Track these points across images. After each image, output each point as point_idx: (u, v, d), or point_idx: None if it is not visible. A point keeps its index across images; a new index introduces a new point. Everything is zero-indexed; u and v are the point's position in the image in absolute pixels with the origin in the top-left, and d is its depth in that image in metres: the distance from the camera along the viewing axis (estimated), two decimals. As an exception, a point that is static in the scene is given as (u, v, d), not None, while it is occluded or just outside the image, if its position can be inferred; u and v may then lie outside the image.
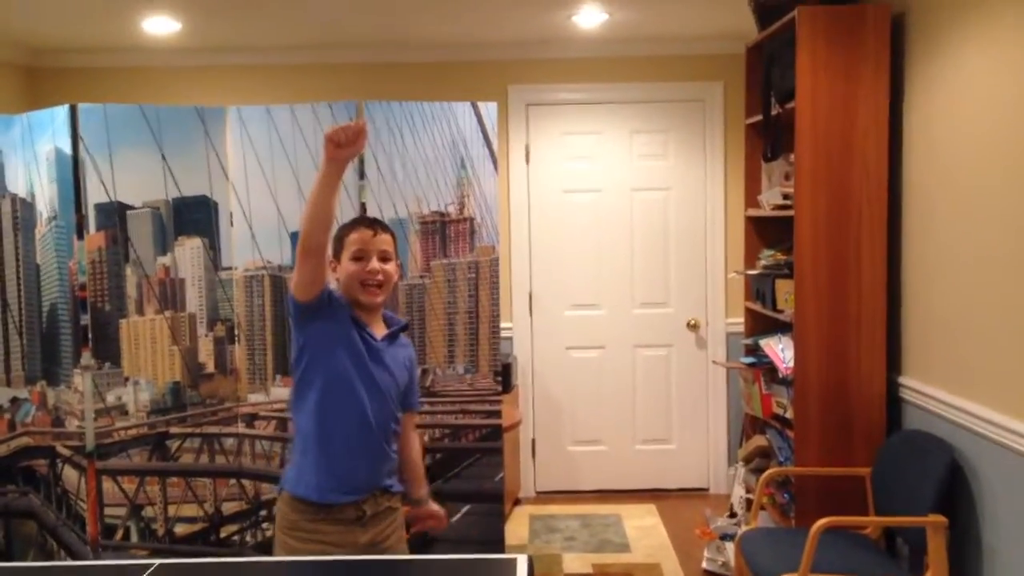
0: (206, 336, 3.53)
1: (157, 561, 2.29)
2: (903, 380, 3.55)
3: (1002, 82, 2.85)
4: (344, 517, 2.41)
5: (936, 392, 3.28)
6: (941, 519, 2.93)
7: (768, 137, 4.01)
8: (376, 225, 2.47)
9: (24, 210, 3.55)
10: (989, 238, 2.93)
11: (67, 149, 3.42)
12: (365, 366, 2.41)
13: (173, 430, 3.50)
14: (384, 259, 2.44)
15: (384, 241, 2.45)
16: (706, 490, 5.44)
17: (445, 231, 3.61)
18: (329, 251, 2.39)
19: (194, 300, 3.53)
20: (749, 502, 3.97)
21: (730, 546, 4.02)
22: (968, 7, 3.05)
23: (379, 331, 2.50)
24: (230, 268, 3.56)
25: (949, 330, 3.21)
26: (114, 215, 3.45)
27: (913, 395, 3.47)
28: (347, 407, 2.40)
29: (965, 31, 3.07)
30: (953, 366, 3.18)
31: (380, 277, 2.42)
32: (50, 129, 3.48)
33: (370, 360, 2.42)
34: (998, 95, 2.87)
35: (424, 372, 3.59)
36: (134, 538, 3.47)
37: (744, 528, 3.59)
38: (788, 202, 3.77)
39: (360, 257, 2.42)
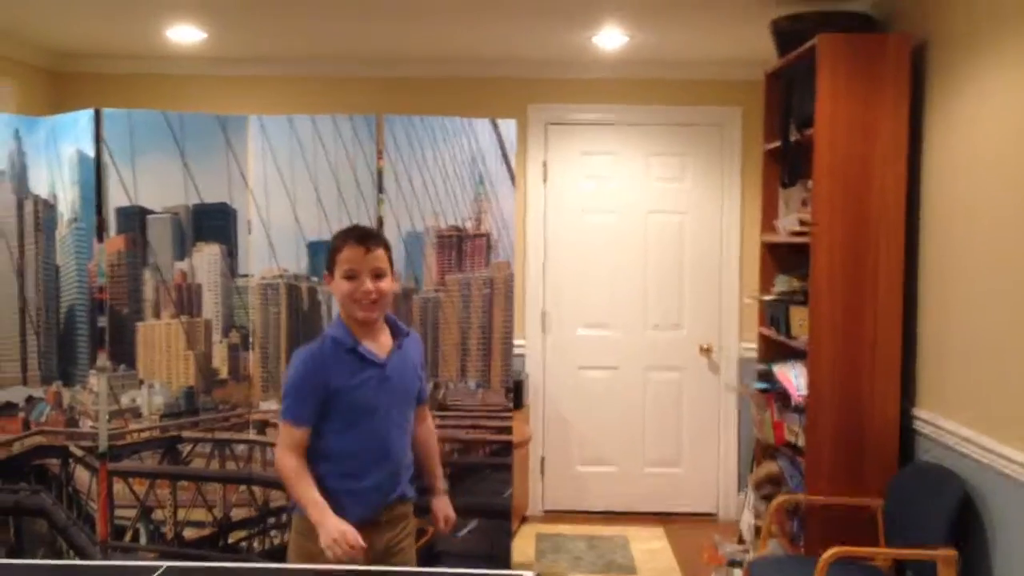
0: (221, 342, 3.55)
1: (166, 564, 2.30)
2: (917, 411, 3.53)
3: (1022, 112, 2.85)
4: (360, 528, 2.40)
5: (950, 425, 3.26)
6: (952, 552, 2.91)
7: (786, 163, 4.01)
8: (368, 241, 2.41)
9: (46, 211, 3.58)
10: (1007, 270, 2.92)
11: (90, 152, 3.45)
12: (375, 394, 2.42)
13: (185, 434, 3.51)
14: (378, 276, 2.40)
15: (377, 258, 2.41)
16: (715, 515, 5.41)
17: (462, 246, 3.62)
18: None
19: (210, 306, 3.55)
20: (758, 528, 3.95)
21: (738, 572, 4.00)
22: (988, 38, 3.05)
23: (382, 345, 2.47)
24: (247, 275, 3.58)
25: (965, 362, 3.19)
26: (135, 219, 3.48)
27: (927, 427, 3.45)
28: (362, 438, 2.41)
29: (986, 61, 3.07)
30: (968, 398, 3.16)
31: (374, 296, 2.39)
32: (74, 132, 3.52)
33: (379, 386, 2.43)
34: (1018, 125, 2.87)
35: (436, 386, 3.60)
36: (143, 540, 3.47)
37: (753, 555, 3.56)
38: (804, 228, 3.77)
39: (352, 276, 2.39)
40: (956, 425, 3.21)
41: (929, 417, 3.42)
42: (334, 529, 2.25)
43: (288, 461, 2.38)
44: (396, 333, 2.53)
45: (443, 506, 2.68)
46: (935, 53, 3.47)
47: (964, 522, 3.09)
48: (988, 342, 3.03)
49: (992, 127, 3.04)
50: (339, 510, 2.34)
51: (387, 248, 2.47)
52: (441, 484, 2.70)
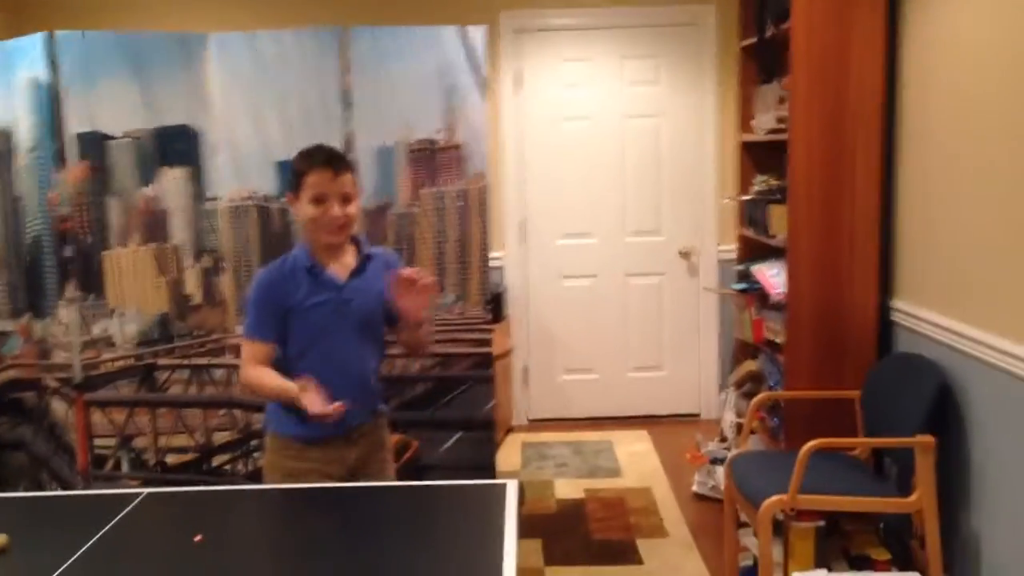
0: (192, 267, 3.50)
1: (146, 490, 2.30)
2: (895, 303, 3.54)
3: (1000, 2, 2.78)
4: (332, 442, 2.43)
5: (928, 315, 3.27)
6: (929, 439, 2.94)
7: (762, 59, 3.94)
8: (335, 163, 2.34)
9: (3, 141, 3.49)
10: (985, 160, 2.90)
11: (45, 78, 3.34)
12: (333, 316, 2.38)
13: (161, 362, 3.49)
14: (346, 200, 2.35)
15: (345, 182, 2.34)
16: (697, 416, 5.48)
17: (434, 159, 3.55)
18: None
19: (179, 231, 3.49)
20: (739, 427, 4.00)
21: (720, 470, 4.06)
22: (967, -80, 2.96)
23: (343, 267, 2.43)
24: (215, 198, 3.51)
25: (942, 252, 3.19)
26: (95, 145, 3.39)
27: (905, 318, 3.46)
28: (321, 360, 2.37)
29: (963, -55, 2.98)
30: (946, 288, 3.17)
31: (342, 222, 2.34)
32: (27, 58, 3.40)
33: (337, 308, 2.38)
34: (996, 13, 2.80)
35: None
36: (125, 468, 3.48)
37: (734, 452, 3.61)
38: (782, 126, 3.72)
39: (320, 200, 2.32)
40: (934, 315, 3.23)
41: (908, 308, 3.44)
42: (311, 404, 2.23)
43: (252, 370, 2.38)
44: (360, 255, 2.46)
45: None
46: (910, -63, 3.37)
47: (942, 410, 3.13)
48: (968, 232, 3.02)
49: (970, 14, 2.97)
50: (303, 428, 2.36)
51: (353, 171, 2.41)
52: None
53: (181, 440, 3.54)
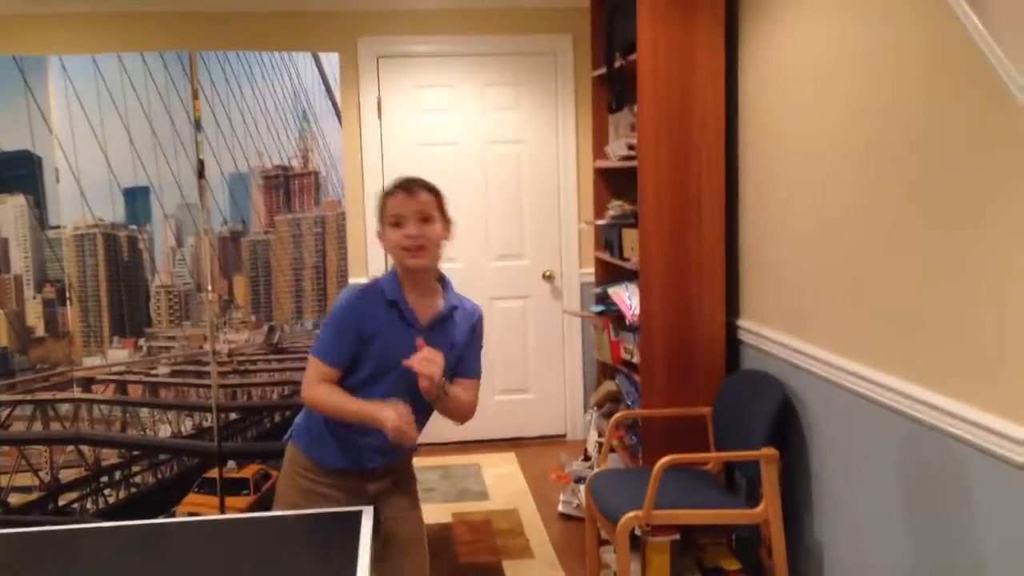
0: (34, 298, 3.36)
1: (-19, 533, 2.19)
2: (741, 323, 3.71)
3: (827, 34, 2.97)
4: (353, 474, 2.41)
5: (770, 333, 3.44)
6: (772, 452, 3.09)
7: (612, 89, 4.07)
8: (413, 185, 2.34)
9: None
10: (814, 186, 3.08)
11: None
12: (403, 354, 2.27)
13: (2, 398, 3.33)
14: (424, 220, 2.32)
15: (422, 201, 2.32)
16: (564, 437, 5.57)
17: (289, 185, 3.53)
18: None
19: (19, 260, 3.34)
20: (602, 446, 4.09)
21: (584, 488, 4.14)
22: (794, -39, 3.16)
23: (427, 309, 2.36)
24: (58, 227, 3.38)
25: (781, 275, 3.36)
26: (-74, 172, 3.23)
27: (750, 336, 3.63)
28: (377, 390, 2.31)
29: (792, -16, 3.18)
30: (785, 308, 3.34)
31: (420, 241, 2.30)
32: None
33: (409, 348, 2.28)
34: (823, 47, 2.99)
35: (271, 329, 3.53)
36: (-37, 512, 3.30)
37: (595, 470, 3.69)
38: (633, 153, 3.85)
39: (398, 223, 2.31)
40: (776, 333, 3.39)
41: (752, 327, 3.61)
42: (393, 416, 2.18)
43: (320, 388, 2.31)
44: (447, 304, 2.40)
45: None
46: (746, -24, 3.57)
47: (786, 424, 3.29)
48: (800, 256, 3.20)
49: (800, 47, 3.16)
50: (328, 452, 2.36)
51: (435, 194, 2.37)
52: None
53: (25, 479, 3.37)
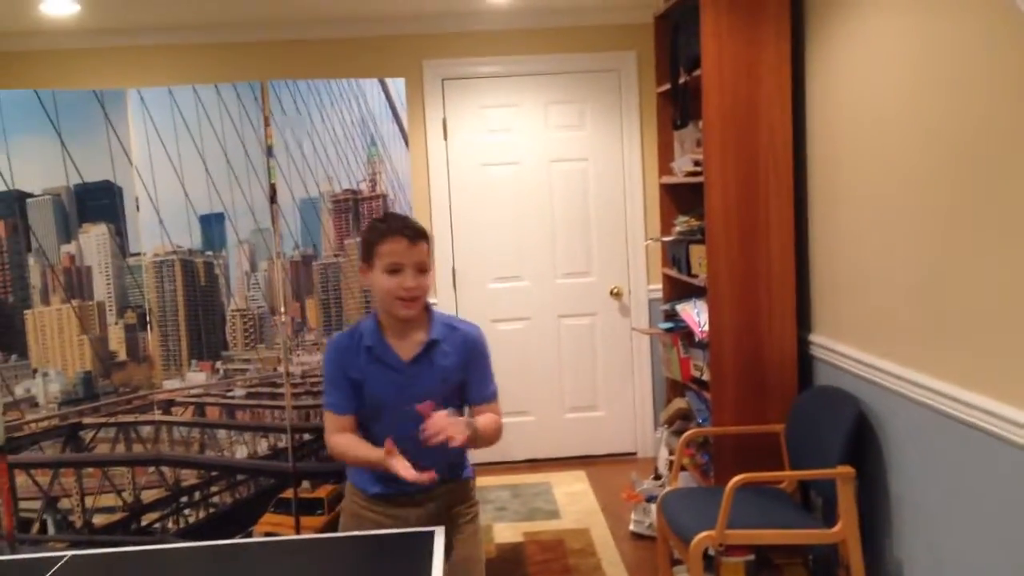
0: (116, 324, 3.47)
1: (69, 553, 2.27)
2: (813, 338, 3.65)
3: (898, 43, 2.92)
4: (397, 500, 2.43)
5: (844, 348, 3.38)
6: (849, 470, 3.03)
7: (677, 105, 4.06)
8: (411, 232, 2.28)
9: (-80, 202, 3.44)
10: (889, 198, 3.02)
11: (-38, 137, 3.31)
12: (393, 393, 2.34)
13: (86, 420, 3.44)
14: (421, 271, 2.29)
15: (420, 252, 2.27)
16: (634, 454, 5.54)
17: (358, 209, 3.59)
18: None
19: (102, 288, 3.46)
20: (672, 464, 4.06)
21: (655, 507, 4.10)
22: (861, -29, 3.12)
23: (410, 344, 2.36)
24: (138, 254, 3.50)
25: (854, 288, 3.30)
26: (13, 204, 3.36)
27: (823, 352, 3.57)
28: (384, 433, 2.31)
29: (859, -5, 3.14)
30: (859, 323, 3.28)
31: (417, 293, 2.28)
32: (-57, 117, 3.37)
33: (398, 387, 2.34)
34: (895, 56, 2.95)
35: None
36: (51, 531, 3.41)
37: (666, 489, 3.66)
38: (699, 168, 3.83)
39: (396, 271, 2.26)
40: (850, 348, 3.33)
41: (825, 343, 3.55)
42: (404, 469, 2.19)
43: (338, 439, 2.37)
44: (433, 333, 2.37)
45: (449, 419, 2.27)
46: (811, -13, 3.53)
47: (862, 440, 3.22)
48: (873, 269, 3.14)
49: (870, 57, 3.12)
50: (365, 478, 2.41)
51: (428, 242, 2.34)
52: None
53: (108, 500, 3.48)
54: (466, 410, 2.48)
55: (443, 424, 2.17)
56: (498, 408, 2.49)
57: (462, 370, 2.40)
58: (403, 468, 2.17)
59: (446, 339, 2.38)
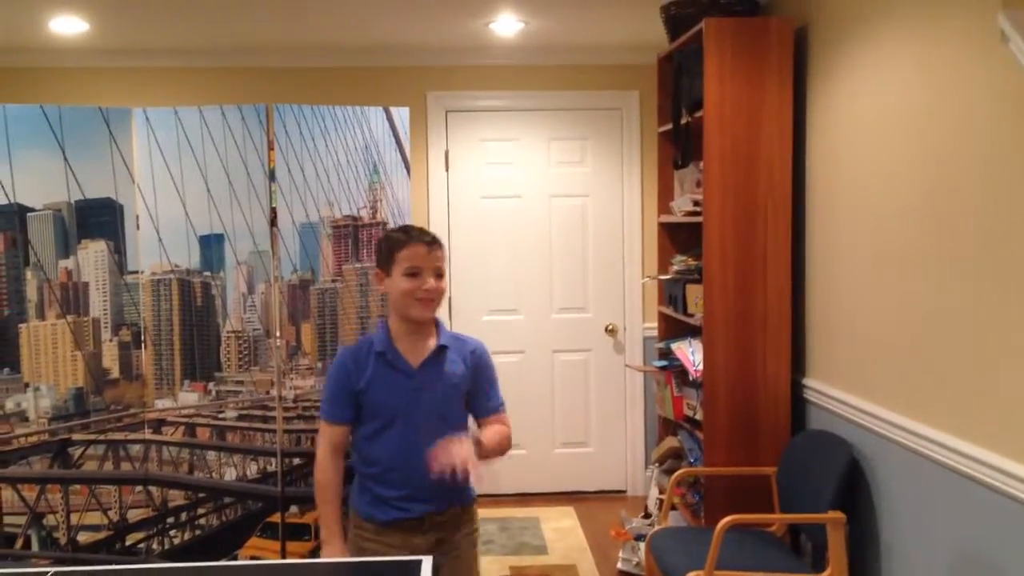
0: (111, 341, 3.47)
1: (52, 569, 2.24)
2: (807, 381, 3.65)
3: (900, 91, 2.96)
4: (401, 525, 2.42)
5: (837, 393, 3.38)
6: (839, 516, 3.02)
7: (678, 145, 4.09)
8: (429, 238, 2.39)
9: (-80, 213, 3.45)
10: (887, 244, 3.04)
11: (-35, 150, 3.33)
12: (403, 401, 2.37)
13: (76, 437, 3.42)
14: (438, 275, 2.38)
15: (438, 257, 2.38)
16: (624, 492, 5.51)
17: (357, 235, 3.60)
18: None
19: (98, 304, 3.46)
20: (663, 503, 4.04)
21: (644, 546, 4.08)
22: (866, 21, 3.16)
23: (420, 351, 2.42)
24: (136, 272, 3.50)
25: (850, 333, 3.31)
26: (13, 217, 3.37)
27: (816, 396, 3.57)
28: (391, 445, 2.37)
29: (864, 43, 3.18)
30: (854, 368, 3.28)
31: (433, 295, 2.37)
32: (-52, 129, 3.38)
33: (409, 394, 2.38)
34: (896, 104, 2.98)
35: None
36: (35, 547, 3.38)
37: (655, 528, 3.64)
38: (698, 208, 3.85)
39: (415, 273, 2.35)
40: (843, 393, 3.33)
41: (818, 386, 3.55)
42: (332, 555, 2.31)
43: (323, 472, 2.42)
44: (441, 343, 2.45)
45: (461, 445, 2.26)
46: (816, 33, 3.58)
47: (853, 486, 3.21)
48: (870, 314, 3.15)
49: (869, 104, 3.15)
50: (374, 511, 2.41)
51: (443, 249, 2.45)
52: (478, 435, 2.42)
53: (94, 518, 3.45)
54: (471, 423, 2.50)
55: (452, 453, 2.18)
56: (506, 419, 2.56)
57: (469, 379, 2.47)
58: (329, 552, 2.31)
59: (453, 348, 2.47)
